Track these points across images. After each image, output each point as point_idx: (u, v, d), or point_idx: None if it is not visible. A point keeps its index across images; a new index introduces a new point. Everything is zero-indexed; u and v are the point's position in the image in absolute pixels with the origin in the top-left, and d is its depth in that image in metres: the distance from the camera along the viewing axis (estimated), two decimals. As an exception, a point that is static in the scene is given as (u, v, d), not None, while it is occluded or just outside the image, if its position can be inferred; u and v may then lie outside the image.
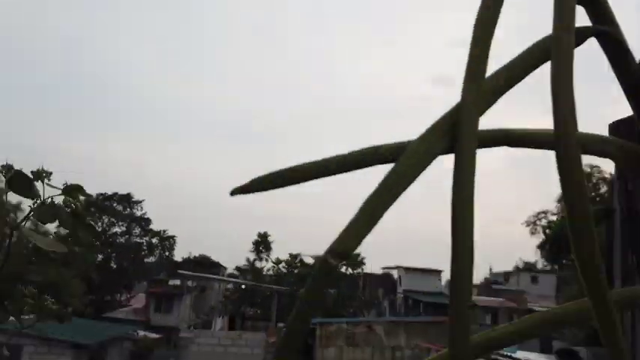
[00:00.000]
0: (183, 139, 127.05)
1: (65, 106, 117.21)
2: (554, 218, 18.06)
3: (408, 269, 44.48)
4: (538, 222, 17.75)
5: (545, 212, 17.85)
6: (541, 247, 17.63)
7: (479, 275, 67.73)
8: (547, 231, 17.48)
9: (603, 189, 16.47)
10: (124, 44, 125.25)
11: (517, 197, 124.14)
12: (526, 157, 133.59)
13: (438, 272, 45.60)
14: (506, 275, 52.06)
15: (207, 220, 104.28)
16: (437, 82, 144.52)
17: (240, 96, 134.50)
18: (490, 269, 54.61)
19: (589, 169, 16.16)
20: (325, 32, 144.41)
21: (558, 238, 17.07)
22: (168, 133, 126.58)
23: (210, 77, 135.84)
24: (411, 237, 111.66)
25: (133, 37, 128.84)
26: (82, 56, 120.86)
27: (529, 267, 54.32)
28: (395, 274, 46.45)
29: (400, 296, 44.19)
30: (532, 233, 17.48)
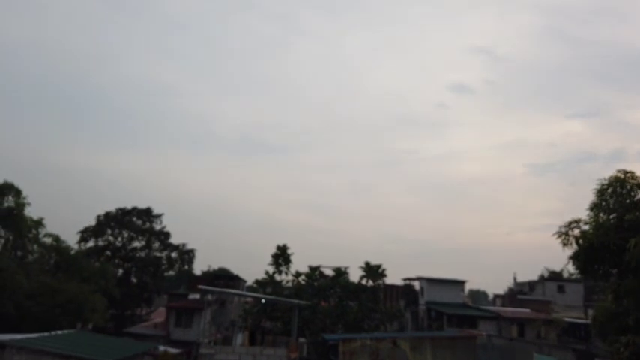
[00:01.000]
0: (201, 154, 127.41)
1: (85, 123, 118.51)
2: (587, 228, 17.06)
3: (430, 280, 43.53)
4: (570, 232, 16.81)
5: (577, 221, 16.91)
6: (575, 257, 16.71)
7: (503, 285, 66.01)
8: (580, 241, 16.53)
9: (639, 195, 15.53)
10: (139, 62, 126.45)
11: (540, 205, 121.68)
12: (548, 164, 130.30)
13: (461, 283, 44.56)
14: (532, 284, 50.73)
15: (225, 233, 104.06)
16: (454, 90, 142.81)
17: (256, 109, 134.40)
18: (514, 278, 53.26)
19: (622, 175, 15.29)
20: (340, 43, 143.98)
21: (593, 248, 16.14)
22: (186, 148, 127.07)
23: (226, 91, 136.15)
24: (431, 247, 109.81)
25: (147, 54, 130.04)
26: (100, 75, 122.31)
27: (555, 276, 52.88)
28: (417, 285, 45.50)
29: (423, 308, 43.20)
30: (564, 244, 16.59)
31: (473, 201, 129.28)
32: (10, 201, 32.29)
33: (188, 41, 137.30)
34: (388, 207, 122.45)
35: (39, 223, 33.42)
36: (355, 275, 41.77)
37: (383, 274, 39.53)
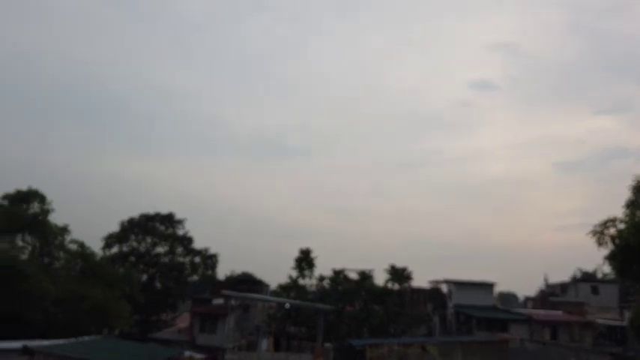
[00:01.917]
0: (221, 158, 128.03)
1: (106, 129, 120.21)
2: (623, 226, 16.15)
3: (458, 282, 42.42)
4: (606, 231, 15.95)
5: (612, 220, 16.01)
6: (611, 257, 15.82)
7: (533, 287, 64.22)
8: (616, 241, 15.64)
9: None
10: (157, 67, 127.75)
11: (568, 204, 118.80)
12: (576, 162, 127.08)
13: (490, 285, 43.35)
14: (564, 286, 49.13)
15: (248, 237, 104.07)
16: (477, 88, 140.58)
17: (275, 111, 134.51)
18: (545, 280, 51.71)
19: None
20: (358, 42, 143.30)
21: (629, 248, 15.23)
22: (206, 153, 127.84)
23: (245, 94, 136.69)
24: (457, 249, 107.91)
25: (165, 60, 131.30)
26: (120, 82, 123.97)
27: (588, 277, 51.18)
28: (444, 288, 44.43)
29: (451, 311, 42.13)
30: (599, 244, 15.73)
31: (499, 201, 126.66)
32: (35, 208, 32.48)
33: (205, 45, 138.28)
34: (412, 208, 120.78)
35: (64, 230, 33.52)
36: (380, 279, 41.11)
37: (409, 278, 38.69)
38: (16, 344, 19.03)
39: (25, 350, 18.51)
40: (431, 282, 45.10)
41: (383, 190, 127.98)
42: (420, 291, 43.71)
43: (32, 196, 32.81)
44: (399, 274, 38.70)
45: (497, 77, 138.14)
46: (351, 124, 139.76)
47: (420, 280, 47.04)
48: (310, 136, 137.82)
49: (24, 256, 30.28)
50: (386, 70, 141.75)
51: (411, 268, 41.19)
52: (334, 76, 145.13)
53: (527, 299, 53.49)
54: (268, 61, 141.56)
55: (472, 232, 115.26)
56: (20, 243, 31.25)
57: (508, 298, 65.50)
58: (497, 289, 45.94)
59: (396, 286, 38.69)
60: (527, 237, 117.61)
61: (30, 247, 32.18)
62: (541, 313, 42.08)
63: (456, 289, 42.54)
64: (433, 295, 43.73)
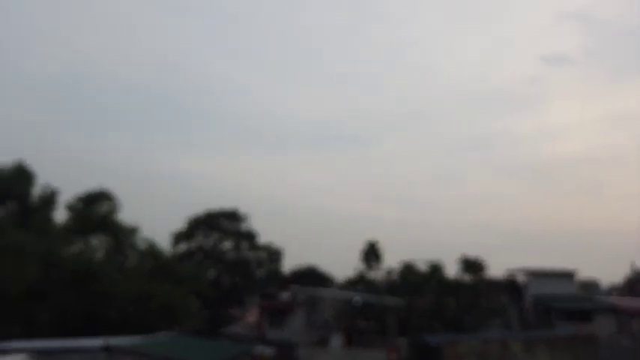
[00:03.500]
0: (280, 152, 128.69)
1: (163, 127, 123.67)
2: None
3: (535, 272, 40.17)
4: None
5: None
6: None
7: (618, 274, 59.92)
8: None
9: None
10: (209, 63, 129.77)
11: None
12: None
13: (570, 274, 40.80)
14: (653, 272, 45.66)
15: (309, 231, 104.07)
16: (548, 61, 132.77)
17: (328, 102, 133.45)
18: (632, 266, 48.17)
19: None
20: (414, 24, 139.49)
21: None
22: (264, 148, 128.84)
23: (296, 86, 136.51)
24: (530, 235, 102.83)
25: (216, 55, 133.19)
26: (172, 79, 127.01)
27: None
28: (520, 277, 42.20)
29: (529, 302, 39.97)
30: None
31: (575, 181, 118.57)
32: (105, 208, 33.30)
33: (255, 38, 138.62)
34: (479, 194, 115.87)
35: (134, 229, 34.23)
36: (450, 270, 39.59)
37: (482, 268, 36.97)
38: (96, 342, 19.36)
39: (105, 348, 18.76)
40: (505, 272, 42.99)
41: (448, 175, 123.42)
42: (493, 282, 41.75)
43: (102, 196, 33.62)
44: (471, 265, 37.05)
45: (570, 49, 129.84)
46: (408, 109, 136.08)
47: (493, 269, 44.96)
48: (366, 125, 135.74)
49: (99, 257, 31.09)
50: (447, 49, 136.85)
51: (482, 257, 39.46)
52: (390, 60, 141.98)
53: (612, 287, 50.16)
54: (320, 51, 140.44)
55: (547, 217, 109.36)
56: (94, 243, 32.13)
57: (590, 286, 61.77)
58: (578, 277, 43.14)
59: (469, 278, 37.05)
60: (610, 220, 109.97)
61: (103, 248, 33.04)
62: (628, 302, 39.19)
63: (533, 278, 40.34)
64: (508, 285, 41.62)
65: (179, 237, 42.62)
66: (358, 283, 37.94)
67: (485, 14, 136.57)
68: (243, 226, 44.63)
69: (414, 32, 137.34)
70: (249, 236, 44.52)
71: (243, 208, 45.22)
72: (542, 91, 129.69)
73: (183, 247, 42.87)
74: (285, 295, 43.10)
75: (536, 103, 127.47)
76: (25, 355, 16.82)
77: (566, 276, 40.83)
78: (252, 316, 45.34)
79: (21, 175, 27.92)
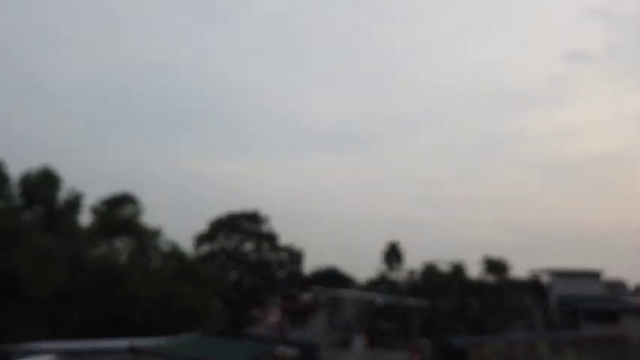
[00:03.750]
0: (302, 153, 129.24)
1: (184, 129, 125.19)
2: None
3: (559, 272, 39.56)
4: None
5: None
6: None
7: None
8: None
9: None
10: (228, 65, 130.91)
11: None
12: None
13: (595, 274, 40.08)
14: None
15: (331, 232, 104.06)
16: (570, 59, 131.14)
17: (349, 102, 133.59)
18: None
19: None
20: (434, 22, 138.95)
21: None
22: (286, 149, 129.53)
23: (317, 87, 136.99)
24: (554, 235, 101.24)
25: (236, 56, 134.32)
26: (194, 82, 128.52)
27: None
28: (544, 278, 41.60)
29: (553, 303, 39.37)
30: None
31: (600, 181, 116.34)
32: (128, 211, 33.76)
33: (276, 39, 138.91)
34: (502, 193, 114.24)
35: (157, 232, 34.62)
36: (473, 270, 39.23)
37: (505, 269, 36.55)
38: (122, 343, 19.64)
39: (131, 349, 19.02)
40: (529, 272, 42.42)
41: (469, 175, 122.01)
42: (517, 282, 41.23)
43: (126, 199, 34.08)
44: (494, 265, 36.66)
45: (592, 46, 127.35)
46: (430, 107, 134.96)
47: (516, 270, 44.32)
48: (387, 124, 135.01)
49: (123, 259, 31.52)
50: (465, 49, 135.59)
51: (505, 257, 39.02)
52: (409, 59, 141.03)
53: (639, 287, 49.15)
54: (340, 50, 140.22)
55: (570, 216, 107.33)
56: (118, 246, 32.59)
57: (616, 286, 60.57)
58: (604, 278, 42.36)
59: (492, 278, 36.67)
60: (636, 219, 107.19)
61: (127, 250, 33.49)
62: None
63: (557, 278, 39.72)
64: (532, 286, 41.07)
65: (201, 239, 43.01)
66: (380, 284, 37.85)
67: (505, 12, 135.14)
68: (264, 228, 44.86)
69: (432, 30, 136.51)
70: (270, 237, 44.73)
71: (263, 209, 45.45)
72: (563, 89, 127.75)
73: (205, 248, 43.26)
74: (306, 296, 43.15)
75: (558, 101, 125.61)
76: (53, 355, 17.15)
77: (592, 276, 40.11)
78: (273, 316, 45.51)
79: (48, 180, 28.48)
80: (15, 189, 28.19)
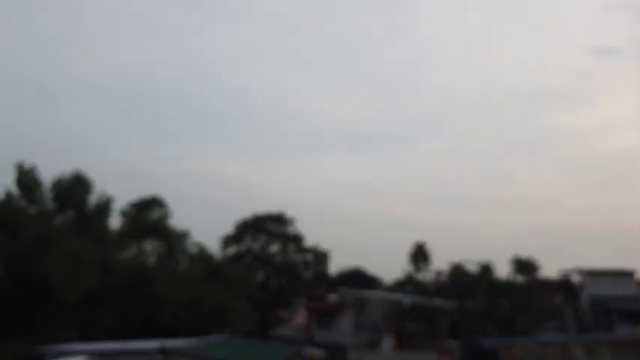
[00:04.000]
0: (324, 154, 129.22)
1: (204, 132, 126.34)
2: None
3: (591, 272, 38.66)
4: None
5: None
6: None
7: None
8: None
9: None
10: (240, 68, 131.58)
11: None
12: None
13: (629, 273, 39.04)
14: None
15: (355, 233, 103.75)
16: (598, 54, 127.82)
17: (368, 103, 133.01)
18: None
19: None
20: (454, 21, 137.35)
21: None
22: (308, 150, 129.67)
23: (333, 88, 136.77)
24: (584, 234, 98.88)
25: (248, 59, 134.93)
26: (208, 86, 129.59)
27: None
28: (575, 278, 40.72)
29: (585, 303, 38.51)
30: None
31: (632, 178, 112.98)
32: (157, 214, 34.21)
33: (289, 40, 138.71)
34: (529, 192, 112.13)
35: (185, 234, 34.98)
36: (501, 270, 38.62)
37: (535, 269, 35.88)
38: (152, 344, 19.83)
39: (161, 350, 19.18)
40: (559, 272, 41.58)
41: (493, 174, 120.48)
42: (547, 282, 40.45)
43: (154, 203, 34.54)
44: (523, 265, 36.03)
45: (621, 40, 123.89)
46: (451, 107, 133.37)
47: (546, 270, 43.47)
48: (408, 124, 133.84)
49: (151, 262, 31.94)
50: (487, 47, 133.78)
51: (534, 257, 38.31)
52: (429, 59, 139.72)
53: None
54: (356, 51, 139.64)
55: (601, 215, 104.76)
56: (147, 249, 33.04)
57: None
58: (638, 277, 41.22)
59: (521, 278, 36.04)
60: None
61: (156, 253, 33.93)
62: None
63: (589, 278, 38.82)
64: (563, 286, 40.25)
65: (228, 241, 43.37)
66: (406, 284, 37.57)
67: (531, 8, 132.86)
68: (290, 229, 45.02)
69: (457, 28, 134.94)
70: (296, 239, 44.86)
71: (290, 211, 45.59)
72: (592, 84, 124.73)
73: (232, 250, 43.63)
74: (332, 297, 43.11)
75: (587, 97, 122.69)
76: (86, 356, 17.42)
77: (625, 275, 39.08)
78: (300, 317, 45.57)
79: (79, 184, 29.06)
80: (47, 194, 28.84)
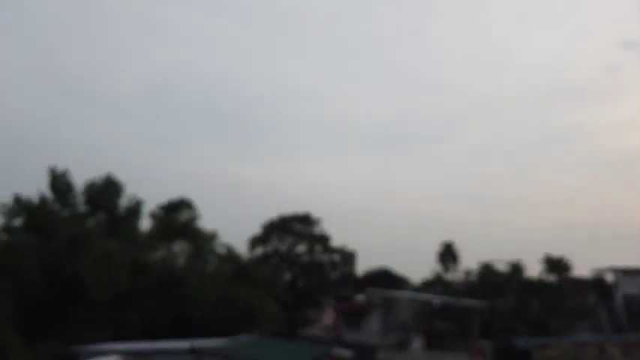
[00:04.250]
0: (349, 155, 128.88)
1: (230, 133, 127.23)
2: None
3: (625, 270, 37.66)
4: None
5: None
6: None
7: None
8: None
9: None
10: (267, 70, 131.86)
11: None
12: None
13: (664, 272, 37.90)
14: None
15: (381, 233, 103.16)
16: (627, 48, 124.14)
17: (393, 102, 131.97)
18: None
19: None
20: (478, 19, 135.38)
21: None
22: (334, 151, 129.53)
23: (360, 88, 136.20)
24: (615, 232, 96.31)
25: (276, 60, 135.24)
26: (231, 87, 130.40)
27: None
28: (609, 276, 39.71)
29: (619, 303, 37.51)
30: None
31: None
32: (185, 216, 34.61)
33: (317, 42, 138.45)
34: (557, 190, 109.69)
35: (214, 235, 35.29)
36: (532, 270, 37.85)
37: (567, 268, 35.08)
38: (183, 344, 20.04)
39: (191, 350, 19.35)
40: (592, 271, 40.60)
41: (520, 172, 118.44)
42: (580, 281, 39.52)
43: (183, 205, 34.95)
44: (555, 264, 35.26)
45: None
46: (477, 105, 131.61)
47: (578, 269, 42.48)
48: (440, 123, 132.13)
49: (181, 263, 32.33)
50: (512, 44, 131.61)
51: (565, 256, 37.44)
52: (454, 58, 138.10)
53: None
54: (381, 51, 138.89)
55: (633, 212, 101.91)
56: (176, 250, 33.45)
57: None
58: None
59: (553, 278, 35.29)
60: None
61: (185, 254, 34.33)
62: None
63: (623, 277, 37.86)
64: (596, 285, 39.28)
65: (255, 241, 43.58)
66: (435, 284, 37.16)
67: (557, 4, 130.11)
68: (316, 230, 44.98)
69: (485, 25, 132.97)
70: (323, 239, 44.79)
71: (315, 211, 45.54)
72: (621, 79, 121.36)
73: (259, 251, 43.81)
74: (360, 297, 42.94)
75: (615, 92, 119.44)
76: (117, 356, 17.69)
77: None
78: (328, 317, 45.51)
79: (110, 187, 29.63)
80: (79, 197, 29.47)
